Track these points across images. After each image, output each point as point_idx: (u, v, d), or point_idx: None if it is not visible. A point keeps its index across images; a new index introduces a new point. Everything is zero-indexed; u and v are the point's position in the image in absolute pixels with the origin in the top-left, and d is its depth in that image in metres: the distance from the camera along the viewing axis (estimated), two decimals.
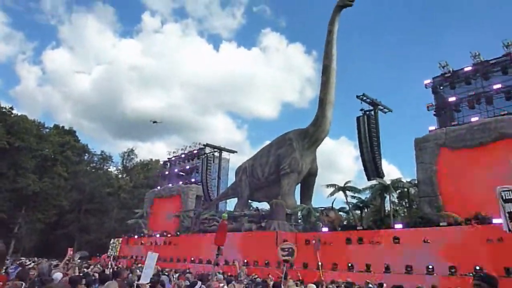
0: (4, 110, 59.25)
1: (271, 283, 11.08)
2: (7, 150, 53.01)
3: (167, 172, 55.81)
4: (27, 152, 56.79)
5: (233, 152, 52.09)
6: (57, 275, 8.51)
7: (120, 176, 73.73)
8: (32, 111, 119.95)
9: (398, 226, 23.99)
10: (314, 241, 15.58)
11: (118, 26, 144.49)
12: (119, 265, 23.63)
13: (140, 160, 77.49)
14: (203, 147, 50.49)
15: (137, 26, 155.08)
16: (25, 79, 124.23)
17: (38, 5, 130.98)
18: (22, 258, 30.26)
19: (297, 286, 12.47)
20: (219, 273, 14.60)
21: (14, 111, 59.74)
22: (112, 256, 30.34)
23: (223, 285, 9.41)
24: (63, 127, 72.56)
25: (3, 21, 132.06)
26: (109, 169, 74.81)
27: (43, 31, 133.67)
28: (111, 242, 37.26)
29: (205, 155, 48.16)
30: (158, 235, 41.83)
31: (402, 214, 35.30)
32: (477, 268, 17.94)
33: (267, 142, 40.57)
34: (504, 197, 5.80)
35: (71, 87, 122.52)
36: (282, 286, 9.66)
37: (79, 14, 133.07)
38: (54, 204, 59.82)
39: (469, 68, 27.36)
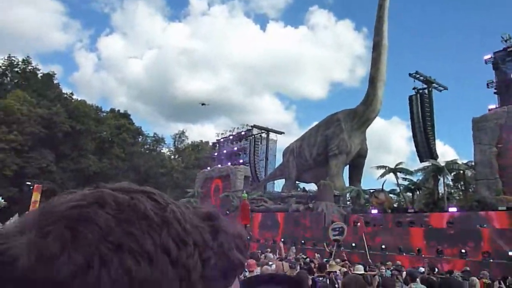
0: (65, 95, 63.40)
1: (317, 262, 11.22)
2: (69, 133, 56.85)
3: (216, 153, 57.18)
4: (87, 134, 60.52)
5: (281, 133, 52.26)
6: None
7: (172, 157, 76.68)
8: (90, 96, 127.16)
9: (453, 209, 23.07)
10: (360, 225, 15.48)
11: (167, 10, 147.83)
12: None
13: (191, 141, 79.99)
14: (250, 128, 51.03)
15: (185, 10, 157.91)
16: (82, 66, 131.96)
17: None
18: None
19: (343, 267, 12.51)
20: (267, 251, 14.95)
21: (74, 97, 63.75)
22: None
23: (272, 264, 9.69)
24: (118, 110, 76.25)
25: (61, 10, 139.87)
26: (162, 151, 77.98)
27: (98, 19, 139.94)
28: None
29: (253, 136, 48.70)
30: None
31: (457, 198, 33.80)
32: None
33: (316, 123, 40.23)
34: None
35: (125, 72, 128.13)
36: (328, 266, 9.76)
37: (130, 0, 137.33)
38: (112, 183, 63.63)
39: None
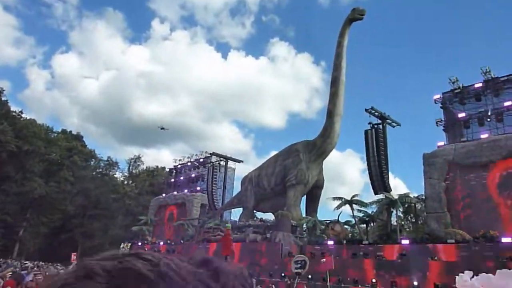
0: (14, 114, 59.95)
1: None
2: (15, 154, 53.43)
3: (172, 180, 55.82)
4: (35, 156, 57.20)
5: (239, 161, 52.12)
6: None
7: (125, 182, 73.92)
8: (39, 114, 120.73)
9: (405, 241, 23.74)
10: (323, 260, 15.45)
11: (127, 32, 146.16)
12: None
13: (146, 167, 77.74)
14: (209, 155, 50.50)
15: (146, 33, 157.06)
16: (34, 83, 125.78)
17: (50, 10, 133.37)
18: (27, 261, 30.31)
19: None
20: None
21: (24, 115, 60.46)
22: None
23: None
24: (70, 132, 73.20)
25: (15, 25, 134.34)
26: (115, 175, 75.04)
27: (54, 36, 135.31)
28: (121, 246, 37.20)
29: (211, 163, 48.16)
30: (162, 243, 41.71)
31: (407, 230, 34.94)
32: None
33: (274, 152, 40.63)
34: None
35: (79, 91, 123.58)
36: None
37: (89, 19, 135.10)
38: (59, 208, 60.02)
39: (480, 85, 27.26)
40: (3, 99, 62.37)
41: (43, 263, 29.33)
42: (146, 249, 41.08)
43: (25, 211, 56.27)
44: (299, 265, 10.93)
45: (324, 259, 15.09)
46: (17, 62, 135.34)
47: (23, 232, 56.21)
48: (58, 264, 30.32)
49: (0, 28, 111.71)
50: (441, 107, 29.23)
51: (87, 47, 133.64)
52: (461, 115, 28.03)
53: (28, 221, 56.74)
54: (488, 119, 26.54)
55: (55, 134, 69.07)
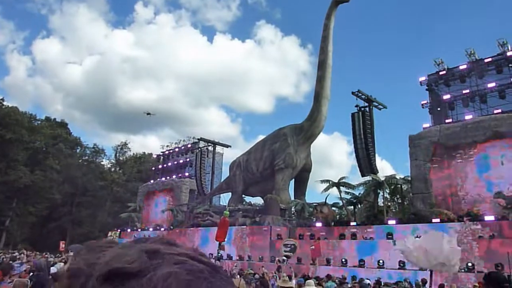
0: None
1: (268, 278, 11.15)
2: None
3: (160, 166, 55.62)
4: (19, 144, 56.11)
5: (227, 146, 52.11)
6: (58, 266, 8.47)
7: (113, 169, 73.29)
8: (22, 102, 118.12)
9: (392, 222, 24.21)
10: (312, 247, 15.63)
11: (110, 16, 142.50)
12: None
13: (133, 153, 77.10)
14: (197, 141, 50.34)
15: (130, 17, 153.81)
16: (15, 70, 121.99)
17: None
18: (15, 251, 30.06)
19: (289, 280, 12.55)
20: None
21: (5, 103, 59.00)
22: None
23: None
24: (55, 119, 71.81)
25: None
26: (101, 162, 74.23)
27: (34, 20, 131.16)
28: (109, 234, 37.14)
29: (199, 149, 48.04)
30: (151, 229, 41.77)
31: (394, 210, 35.62)
32: (469, 264, 18.20)
33: (261, 137, 40.66)
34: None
35: (62, 78, 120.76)
36: (276, 281, 9.72)
37: (71, 3, 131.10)
38: (46, 197, 59.35)
39: (464, 66, 27.52)
40: None
41: (30, 253, 29.07)
42: (136, 236, 41.19)
43: (11, 200, 55.49)
44: (289, 248, 11.08)
45: (313, 246, 15.28)
46: None
47: (10, 222, 55.56)
48: (46, 253, 30.16)
49: None
50: (426, 89, 29.50)
51: (69, 31, 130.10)
52: (446, 96, 28.38)
53: (15, 210, 56.04)
54: (473, 101, 26.94)
55: (39, 122, 67.67)
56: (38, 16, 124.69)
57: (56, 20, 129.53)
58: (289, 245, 11.13)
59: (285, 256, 11.15)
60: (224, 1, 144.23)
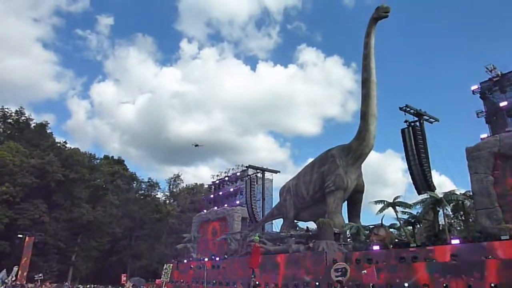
0: (59, 144, 63.25)
1: None
2: (62, 182, 56.16)
3: (212, 196, 56.55)
4: (81, 183, 59.84)
5: (276, 172, 52.05)
6: None
7: (167, 201, 75.66)
8: (82, 143, 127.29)
9: (455, 241, 22.58)
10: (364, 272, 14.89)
11: (158, 55, 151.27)
12: None
13: (186, 184, 79.24)
14: (245, 168, 50.83)
15: (176, 54, 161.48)
16: (75, 113, 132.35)
17: (84, 43, 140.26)
18: (80, 286, 31.51)
19: None
20: None
21: (68, 145, 63.63)
22: (164, 282, 30.85)
23: None
24: (112, 157, 76.10)
25: (54, 60, 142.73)
26: (157, 195, 77.03)
27: (90, 66, 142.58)
28: (164, 267, 37.93)
29: (248, 176, 48.40)
30: (206, 259, 42.10)
31: (458, 228, 33.29)
32: None
33: (311, 159, 40.19)
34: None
35: (118, 117, 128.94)
36: None
37: (121, 47, 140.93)
38: (107, 231, 62.26)
39: None
40: (48, 131, 66.07)
41: (95, 286, 30.29)
42: (192, 266, 41.67)
43: (76, 236, 58.76)
44: (340, 272, 10.66)
45: (365, 271, 14.47)
46: (58, 95, 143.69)
47: (76, 256, 58.61)
48: (109, 286, 31.27)
49: (42, 65, 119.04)
50: (480, 98, 27.88)
51: (121, 73, 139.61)
52: (503, 103, 26.56)
53: (80, 245, 59.17)
54: None
55: (98, 161, 72.10)
56: (94, 62, 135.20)
57: (110, 64, 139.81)
58: (339, 269, 10.71)
59: (337, 281, 10.71)
60: (264, 30, 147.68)
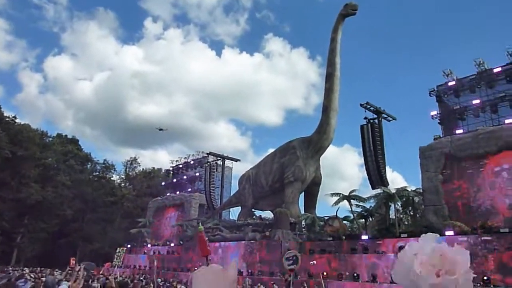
0: (7, 119, 59.51)
1: None
2: (10, 160, 53.02)
3: (170, 181, 55.75)
4: (30, 161, 56.80)
5: (236, 160, 52.10)
6: (64, 285, 8.41)
7: (123, 184, 73.64)
8: (34, 119, 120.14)
9: (404, 235, 23.76)
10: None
11: (120, 32, 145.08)
12: (122, 275, 23.50)
13: (143, 168, 77.43)
14: (206, 155, 50.48)
15: (139, 32, 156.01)
16: (27, 87, 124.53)
17: (40, 13, 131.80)
18: (25, 268, 30.10)
19: None
20: None
21: (17, 120, 60.05)
22: (116, 265, 30.20)
23: None
24: (66, 136, 72.80)
25: (6, 28, 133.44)
26: (112, 178, 74.69)
27: (46, 38, 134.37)
28: (117, 251, 37.07)
29: (208, 163, 48.12)
30: (161, 245, 41.63)
31: (406, 223, 35.02)
32: (485, 278, 17.73)
33: (271, 150, 40.60)
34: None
35: (73, 94, 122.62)
36: None
37: (81, 20, 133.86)
38: (57, 213, 59.73)
39: (474, 76, 27.29)
40: None
41: (41, 269, 29.08)
42: (146, 251, 41.05)
43: (22, 217, 55.96)
44: (291, 261, 10.84)
45: (315, 261, 14.90)
46: (9, 66, 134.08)
47: (21, 238, 55.91)
48: (56, 270, 30.15)
49: None
50: (436, 100, 29.25)
51: (79, 48, 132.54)
52: (456, 107, 28.08)
53: (26, 227, 56.42)
54: (483, 111, 26.62)
55: (50, 139, 68.69)
56: (50, 34, 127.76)
57: (67, 38, 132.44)
58: (291, 258, 10.87)
59: (290, 269, 10.90)
60: (232, 16, 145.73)
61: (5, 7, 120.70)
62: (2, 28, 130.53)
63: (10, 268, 29.82)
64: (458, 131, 26.83)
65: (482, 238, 19.97)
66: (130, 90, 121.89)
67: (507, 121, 24.62)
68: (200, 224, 25.27)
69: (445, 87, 28.81)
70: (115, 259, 39.52)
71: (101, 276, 18.91)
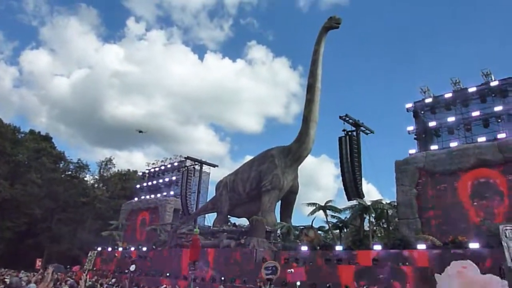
0: None
1: None
2: None
3: (145, 184, 54.83)
4: (0, 156, 54.88)
5: (214, 166, 51.72)
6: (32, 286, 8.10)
7: (96, 185, 71.89)
8: (6, 113, 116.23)
9: (377, 247, 24.07)
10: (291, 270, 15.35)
11: (101, 30, 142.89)
12: (91, 279, 22.81)
13: (118, 170, 75.87)
14: (183, 159, 49.94)
15: (121, 31, 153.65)
16: (1, 80, 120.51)
17: (20, 5, 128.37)
18: None
19: None
20: None
21: None
22: (87, 270, 29.34)
23: None
24: (39, 132, 70.69)
25: None
26: (85, 178, 72.79)
27: (24, 31, 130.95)
28: (89, 254, 35.96)
29: (186, 167, 47.61)
30: (133, 249, 40.77)
31: (379, 235, 35.54)
32: None
33: (250, 157, 40.58)
34: (507, 235, 6.03)
35: (49, 90, 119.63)
36: None
37: (62, 15, 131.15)
38: (25, 212, 57.69)
39: (450, 95, 28.13)
40: None
41: (5, 270, 27.95)
42: (116, 255, 40.08)
43: None
44: (270, 271, 10.84)
45: (292, 270, 14.91)
46: None
47: None
48: (22, 271, 29.04)
49: None
50: (413, 116, 29.97)
51: (58, 43, 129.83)
52: (432, 123, 28.85)
53: None
54: (458, 128, 27.44)
55: (23, 135, 66.55)
56: (29, 27, 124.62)
57: (46, 32, 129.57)
58: (270, 268, 10.90)
59: (268, 279, 10.90)
60: (216, 21, 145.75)
61: None
62: None
63: None
64: (433, 147, 27.55)
65: (452, 251, 20.40)
66: (108, 89, 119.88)
67: (479, 139, 25.47)
68: (196, 227, 24.96)
69: (421, 104, 29.58)
70: (86, 263, 38.40)
71: (68, 279, 18.33)
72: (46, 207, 60.91)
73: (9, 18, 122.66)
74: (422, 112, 29.78)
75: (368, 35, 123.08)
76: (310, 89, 34.05)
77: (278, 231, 33.01)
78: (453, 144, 26.29)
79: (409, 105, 30.06)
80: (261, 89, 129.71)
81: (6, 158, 56.35)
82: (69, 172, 71.24)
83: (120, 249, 42.11)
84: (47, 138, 70.12)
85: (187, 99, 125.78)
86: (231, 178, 39.24)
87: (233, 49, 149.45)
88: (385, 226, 34.28)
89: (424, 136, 29.05)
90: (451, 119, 27.73)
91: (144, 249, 38.99)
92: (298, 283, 17.83)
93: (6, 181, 55.09)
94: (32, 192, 58.39)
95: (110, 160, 75.27)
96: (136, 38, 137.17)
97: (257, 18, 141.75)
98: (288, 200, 36.06)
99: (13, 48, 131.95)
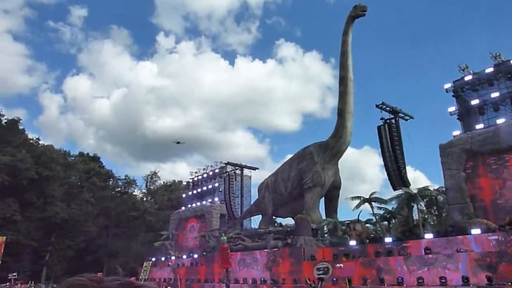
0: (31, 141, 61.37)
1: None
2: (35, 180, 54.53)
3: (190, 193, 56.14)
4: (55, 180, 58.27)
5: (255, 169, 52.08)
6: None
7: (144, 199, 74.58)
8: (56, 139, 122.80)
9: (429, 236, 23.22)
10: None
11: (134, 49, 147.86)
12: None
13: (164, 181, 78.27)
14: (224, 165, 50.67)
15: (152, 48, 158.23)
16: (48, 108, 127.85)
17: (57, 35, 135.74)
18: (55, 285, 30.69)
19: None
20: None
21: (41, 142, 61.80)
22: (143, 280, 30.47)
23: None
24: (87, 154, 74.45)
25: (26, 53, 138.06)
26: (133, 193, 75.75)
27: (64, 60, 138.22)
28: (143, 265, 37.38)
29: (227, 173, 48.27)
30: (184, 257, 41.85)
31: (432, 223, 34.24)
32: None
33: (289, 156, 40.41)
34: None
35: (92, 113, 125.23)
36: None
37: (96, 39, 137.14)
38: (82, 230, 60.89)
39: (491, 70, 26.65)
40: (20, 127, 63.98)
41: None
42: (170, 264, 41.29)
43: (49, 235, 57.24)
44: (322, 271, 10.78)
45: (341, 265, 14.69)
46: (30, 89, 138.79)
47: (50, 256, 57.15)
48: None
49: (12, 58, 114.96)
50: (453, 96, 28.68)
51: (96, 67, 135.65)
52: (475, 102, 27.44)
53: (54, 245, 57.68)
54: (503, 104, 25.93)
55: (73, 158, 70.35)
56: (68, 56, 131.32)
57: (84, 58, 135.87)
58: (321, 269, 10.84)
59: (319, 278, 10.85)
60: (243, 25, 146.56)
61: (24, 32, 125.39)
62: (22, 53, 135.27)
63: (43, 286, 30.44)
64: (478, 126, 26.20)
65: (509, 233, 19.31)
66: (146, 105, 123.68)
67: None
68: (224, 235, 25.45)
69: (461, 82, 28.23)
70: (141, 273, 39.84)
71: None
72: (100, 224, 63.97)
73: (48, 49, 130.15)
74: (463, 91, 28.40)
75: (398, 19, 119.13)
76: (343, 81, 33.49)
77: (325, 228, 32.64)
78: (500, 121, 24.86)
79: (447, 85, 28.80)
80: (294, 87, 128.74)
81: (60, 181, 59.77)
82: (119, 189, 74.37)
83: (173, 258, 43.37)
84: (95, 159, 73.69)
85: (222, 105, 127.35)
86: (272, 179, 39.33)
87: (262, 50, 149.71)
88: (436, 213, 33.01)
89: (467, 116, 27.71)
90: (495, 94, 26.21)
91: (195, 256, 39.90)
92: (348, 278, 17.57)
93: (63, 202, 58.40)
94: (87, 211, 61.53)
95: (155, 173, 77.92)
96: (167, 52, 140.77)
97: (283, 15, 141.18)
98: (332, 196, 35.59)
99: (56, 77, 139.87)
